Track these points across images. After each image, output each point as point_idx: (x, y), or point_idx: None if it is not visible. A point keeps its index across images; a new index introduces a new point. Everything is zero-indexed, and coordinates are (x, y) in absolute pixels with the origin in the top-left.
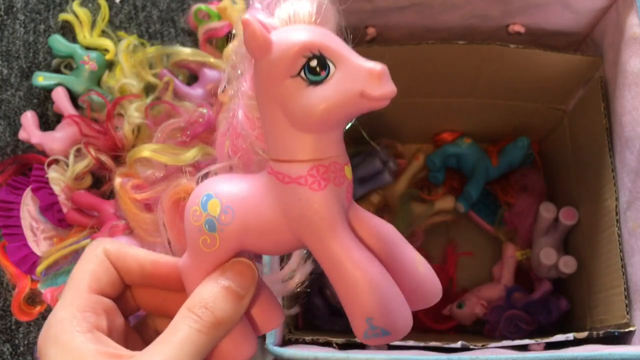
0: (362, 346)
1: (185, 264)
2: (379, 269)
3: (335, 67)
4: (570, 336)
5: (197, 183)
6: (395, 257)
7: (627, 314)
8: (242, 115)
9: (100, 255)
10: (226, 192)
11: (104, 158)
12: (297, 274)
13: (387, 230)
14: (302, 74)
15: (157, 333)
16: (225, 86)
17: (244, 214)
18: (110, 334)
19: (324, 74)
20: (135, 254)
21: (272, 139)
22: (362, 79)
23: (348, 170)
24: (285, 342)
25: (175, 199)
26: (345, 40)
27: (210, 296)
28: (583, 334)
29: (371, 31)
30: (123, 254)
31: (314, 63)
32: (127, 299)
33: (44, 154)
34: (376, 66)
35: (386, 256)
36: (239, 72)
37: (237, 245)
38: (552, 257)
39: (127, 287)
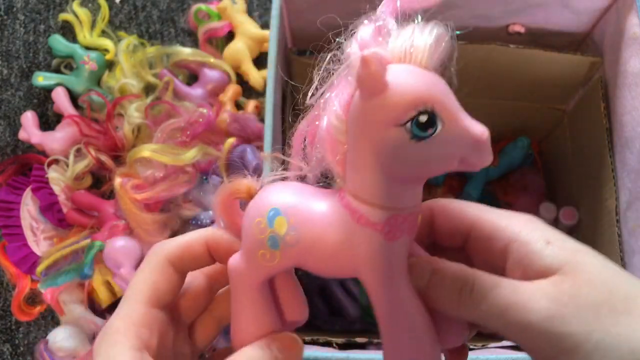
0: (362, 346)
1: (238, 265)
2: (428, 322)
3: (443, 126)
4: None
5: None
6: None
7: None
8: (325, 132)
9: (161, 263)
10: (294, 211)
11: (104, 158)
12: None
13: None
14: (408, 125)
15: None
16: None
17: (308, 239)
18: (159, 350)
19: (430, 131)
20: (196, 238)
21: (356, 175)
22: (466, 145)
23: (420, 219)
24: None
25: (233, 198)
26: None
27: None
28: None
29: None
30: (186, 247)
31: (423, 119)
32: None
33: (44, 154)
34: (483, 134)
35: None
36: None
37: (295, 264)
38: None
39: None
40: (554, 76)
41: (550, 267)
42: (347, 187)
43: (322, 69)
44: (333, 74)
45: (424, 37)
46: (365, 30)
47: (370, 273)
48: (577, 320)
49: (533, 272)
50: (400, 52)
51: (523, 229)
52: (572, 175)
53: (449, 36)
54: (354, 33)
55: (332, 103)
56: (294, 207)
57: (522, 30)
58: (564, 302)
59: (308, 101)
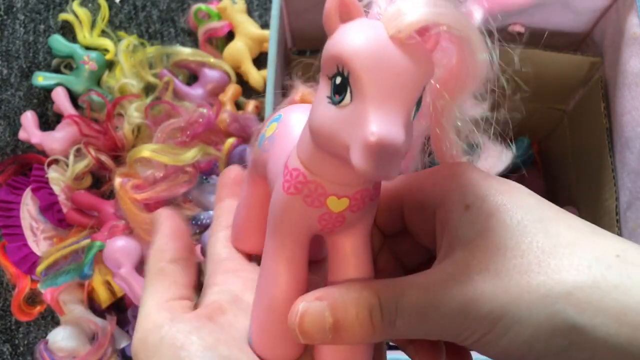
0: None
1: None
2: (282, 294)
3: (351, 100)
4: None
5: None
6: None
7: None
8: None
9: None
10: (285, 127)
11: (104, 158)
12: None
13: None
14: (332, 81)
15: None
16: None
17: (271, 155)
18: None
19: (337, 98)
20: None
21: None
22: (356, 136)
23: (335, 203)
24: None
25: (295, 100)
26: None
27: None
28: None
29: None
30: None
31: (337, 80)
32: None
33: (44, 154)
34: (372, 135)
35: None
36: None
37: (264, 172)
38: None
39: None
40: (554, 76)
41: (466, 239)
42: None
43: None
44: None
45: (416, 8)
46: None
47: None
48: (489, 302)
49: (453, 245)
50: (388, 13)
51: (446, 191)
52: (572, 175)
53: (455, 22)
54: None
55: None
56: (288, 124)
57: (522, 30)
58: (472, 289)
59: None
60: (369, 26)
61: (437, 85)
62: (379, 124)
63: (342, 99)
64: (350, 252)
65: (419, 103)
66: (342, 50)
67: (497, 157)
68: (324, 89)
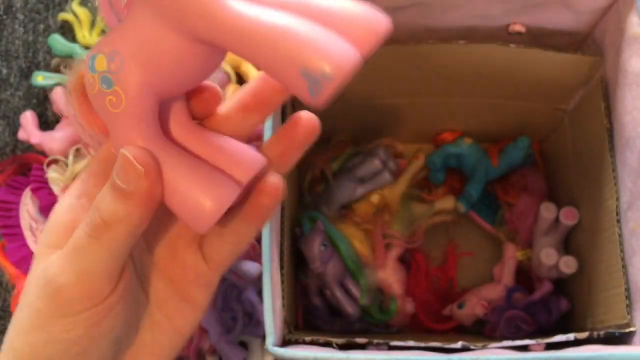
0: (362, 346)
1: (112, 143)
2: (285, 15)
3: None
4: (570, 336)
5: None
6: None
7: (628, 314)
8: None
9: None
10: (106, 42)
11: None
12: None
13: None
14: None
15: None
16: None
17: (128, 48)
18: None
19: None
20: None
21: None
22: None
23: None
24: (285, 343)
25: (81, 88)
26: None
27: (100, 195)
28: (584, 334)
29: None
30: None
31: None
32: None
33: (43, 154)
34: None
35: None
36: None
37: (145, 89)
38: (552, 257)
39: None
40: (555, 76)
41: None
42: None
43: None
44: None
45: None
46: None
47: (191, 14)
48: None
49: None
50: None
51: None
52: (573, 175)
53: None
54: None
55: None
56: (105, 40)
57: (522, 30)
58: None
59: None
60: None
61: None
62: None
63: None
64: None
65: None
66: None
67: None
68: None
